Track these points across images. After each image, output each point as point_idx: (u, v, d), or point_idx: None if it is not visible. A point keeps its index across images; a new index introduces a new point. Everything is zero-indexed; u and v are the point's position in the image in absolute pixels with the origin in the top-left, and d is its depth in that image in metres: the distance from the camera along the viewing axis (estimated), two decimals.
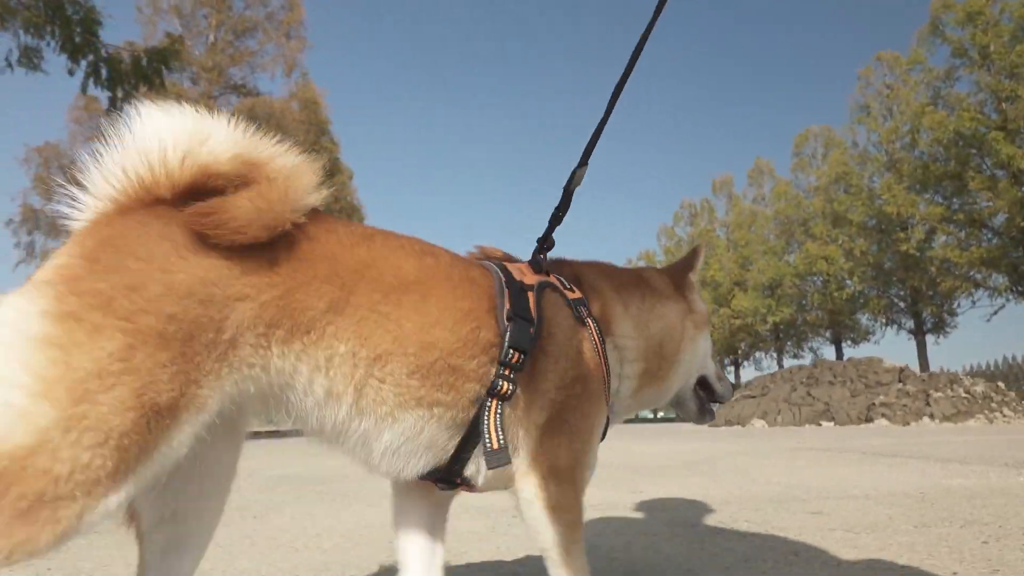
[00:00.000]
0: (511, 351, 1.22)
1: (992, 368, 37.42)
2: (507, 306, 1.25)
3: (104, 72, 13.44)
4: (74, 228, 1.05)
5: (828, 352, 42.13)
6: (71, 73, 13.03)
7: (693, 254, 1.80)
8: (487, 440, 1.18)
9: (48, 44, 12.60)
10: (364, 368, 1.10)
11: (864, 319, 38.83)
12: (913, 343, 35.44)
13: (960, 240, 30.25)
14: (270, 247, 1.05)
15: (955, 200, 30.96)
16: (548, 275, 1.41)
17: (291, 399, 1.09)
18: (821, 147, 42.06)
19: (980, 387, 16.43)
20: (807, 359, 44.17)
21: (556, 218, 1.57)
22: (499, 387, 1.20)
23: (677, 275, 1.74)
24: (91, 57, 13.26)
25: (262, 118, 28.67)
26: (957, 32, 30.18)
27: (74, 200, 1.06)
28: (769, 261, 42.49)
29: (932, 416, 15.29)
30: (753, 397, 19.45)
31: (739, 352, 47.37)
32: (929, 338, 35.43)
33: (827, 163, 38.85)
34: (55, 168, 24.96)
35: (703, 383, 1.79)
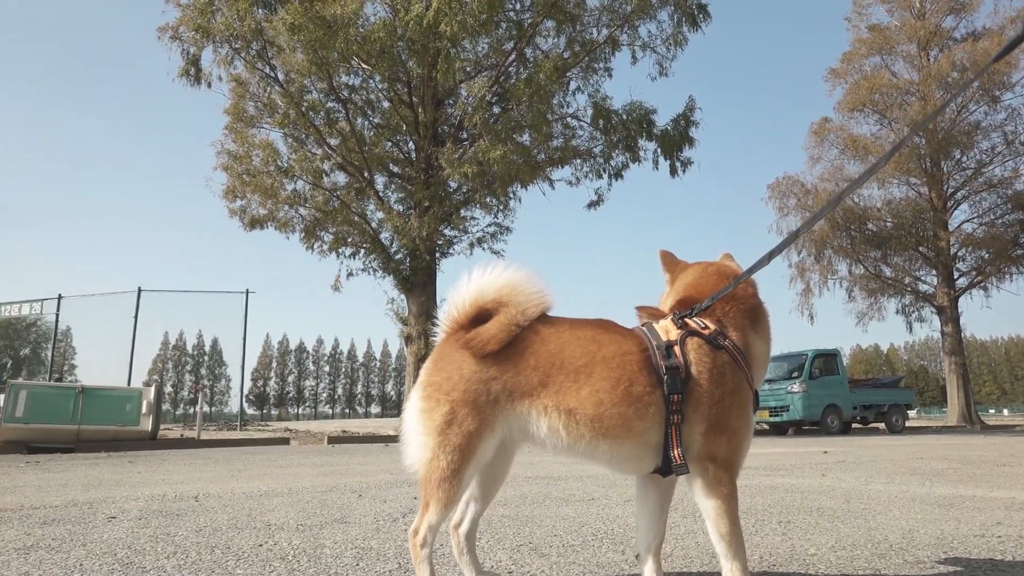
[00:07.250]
0: (672, 395, 1.73)
1: None
2: (661, 363, 1.76)
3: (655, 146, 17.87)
4: (436, 342, 1.95)
5: None
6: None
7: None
8: (672, 458, 1.74)
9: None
10: (564, 416, 1.74)
11: None
12: None
13: None
14: (507, 351, 1.78)
15: None
16: (686, 325, 1.87)
17: (532, 430, 1.79)
18: None
19: None
20: None
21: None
22: (671, 420, 1.73)
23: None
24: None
25: None
26: None
27: (435, 330, 1.97)
28: None
29: None
30: None
31: None
32: None
33: None
34: (790, 196, 28.73)
35: None
